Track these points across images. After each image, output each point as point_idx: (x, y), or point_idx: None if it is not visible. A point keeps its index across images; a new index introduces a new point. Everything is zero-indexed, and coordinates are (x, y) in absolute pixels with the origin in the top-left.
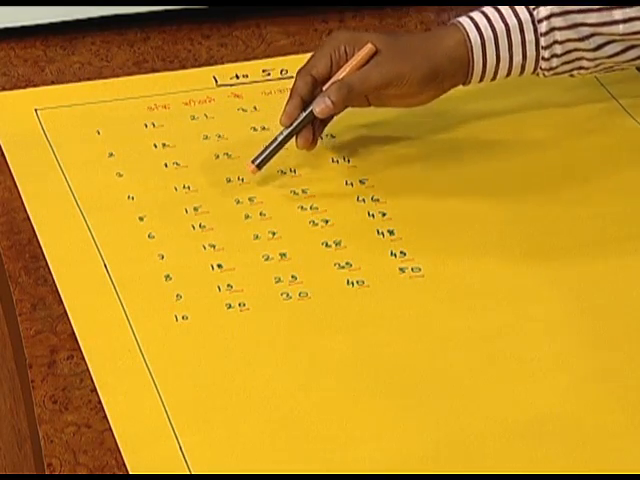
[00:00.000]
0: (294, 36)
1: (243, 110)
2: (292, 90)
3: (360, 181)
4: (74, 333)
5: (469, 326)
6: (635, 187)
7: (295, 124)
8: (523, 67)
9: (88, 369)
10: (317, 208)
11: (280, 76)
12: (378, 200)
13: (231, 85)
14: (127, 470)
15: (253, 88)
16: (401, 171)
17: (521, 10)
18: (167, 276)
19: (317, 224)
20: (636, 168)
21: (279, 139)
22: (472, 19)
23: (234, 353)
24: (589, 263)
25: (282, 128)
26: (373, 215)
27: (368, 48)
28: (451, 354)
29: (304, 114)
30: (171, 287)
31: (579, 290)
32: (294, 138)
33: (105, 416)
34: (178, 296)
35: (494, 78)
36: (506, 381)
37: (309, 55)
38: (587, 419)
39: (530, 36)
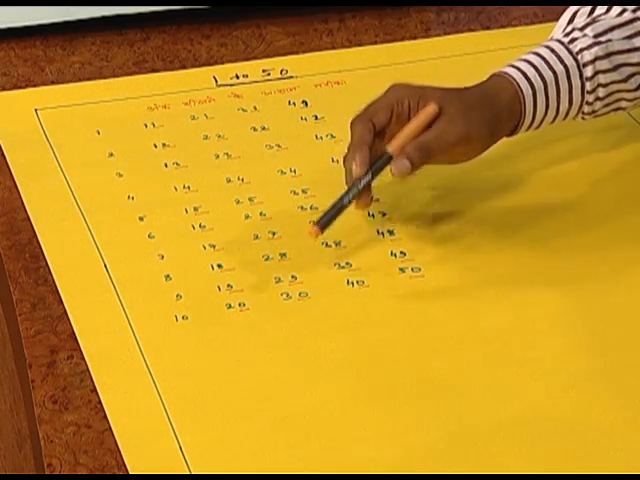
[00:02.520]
0: (294, 36)
1: (243, 110)
2: (357, 139)
3: None
4: (74, 333)
5: (469, 326)
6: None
7: (363, 183)
8: (567, 113)
9: (88, 369)
10: (317, 208)
11: (280, 76)
12: (378, 200)
13: (231, 85)
14: (127, 470)
15: (253, 88)
16: None
17: (565, 56)
18: (167, 276)
19: None
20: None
21: (344, 201)
22: (519, 69)
23: (234, 353)
24: (589, 263)
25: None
26: (373, 215)
27: (433, 108)
28: (451, 354)
29: (369, 175)
30: (171, 287)
31: (579, 290)
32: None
33: (105, 416)
34: (178, 296)
35: (538, 127)
36: (506, 381)
37: (309, 55)
38: (587, 419)
39: (576, 82)
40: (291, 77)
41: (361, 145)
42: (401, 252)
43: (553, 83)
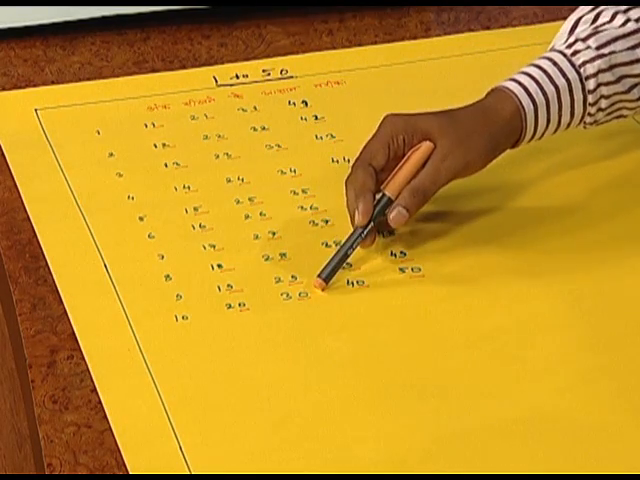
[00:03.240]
0: (294, 36)
1: (243, 110)
2: (359, 187)
3: None
4: (74, 333)
5: (469, 326)
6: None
7: (366, 231)
8: (569, 125)
9: (88, 369)
10: (317, 208)
11: (280, 76)
12: None
13: (231, 85)
14: (127, 470)
15: (253, 88)
16: None
17: (567, 69)
18: (167, 276)
19: (317, 224)
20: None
21: (348, 251)
22: (520, 83)
23: (234, 353)
24: (590, 263)
25: (345, 238)
26: None
27: (427, 147)
28: (451, 354)
29: (370, 225)
30: (171, 287)
31: (579, 290)
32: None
33: (105, 416)
34: (178, 296)
35: (540, 138)
36: (505, 381)
37: (309, 55)
38: (586, 419)
39: (578, 95)
40: (291, 77)
41: (364, 193)
42: (401, 252)
43: (555, 98)
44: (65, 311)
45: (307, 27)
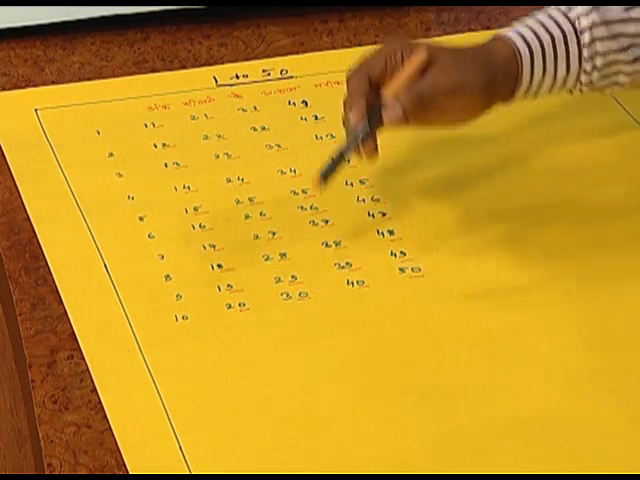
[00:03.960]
0: (294, 36)
1: (243, 110)
2: (353, 91)
3: (360, 181)
4: (74, 333)
5: (469, 326)
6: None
7: (362, 135)
8: (565, 81)
9: (88, 369)
10: (317, 208)
11: (280, 76)
12: (378, 200)
13: (231, 85)
14: (127, 470)
15: (253, 88)
16: (401, 171)
17: (563, 21)
18: (167, 276)
19: (317, 224)
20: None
21: (345, 152)
22: (517, 32)
23: (234, 353)
24: (588, 263)
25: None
26: (373, 215)
27: (423, 54)
28: (451, 354)
29: (366, 126)
30: (171, 287)
31: (578, 290)
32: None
33: (105, 416)
34: (178, 296)
35: (536, 94)
36: (505, 381)
37: (309, 55)
38: (586, 419)
39: (574, 48)
40: (291, 77)
41: (357, 96)
42: (401, 252)
43: (550, 46)
44: (65, 311)
45: (307, 27)
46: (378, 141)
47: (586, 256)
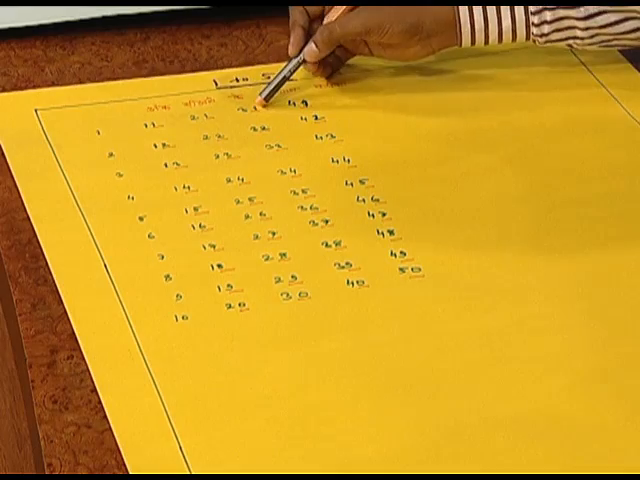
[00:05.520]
0: None
1: (243, 110)
2: (291, 23)
3: (360, 181)
4: (74, 333)
5: (469, 326)
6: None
7: (296, 64)
8: (514, 32)
9: (88, 369)
10: (317, 208)
11: None
12: (378, 200)
13: (231, 87)
14: (127, 470)
15: (253, 89)
16: (401, 171)
17: None
18: (167, 276)
19: (317, 224)
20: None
21: (285, 74)
22: None
23: (234, 353)
24: (589, 263)
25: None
26: (373, 215)
27: None
28: (451, 354)
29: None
30: (171, 287)
31: (579, 289)
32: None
33: (105, 416)
34: (178, 296)
35: (486, 42)
36: (506, 381)
37: None
38: (586, 419)
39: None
40: (291, 79)
41: (295, 28)
42: (401, 252)
43: None
44: (65, 311)
45: None
46: (377, 138)
47: (587, 255)
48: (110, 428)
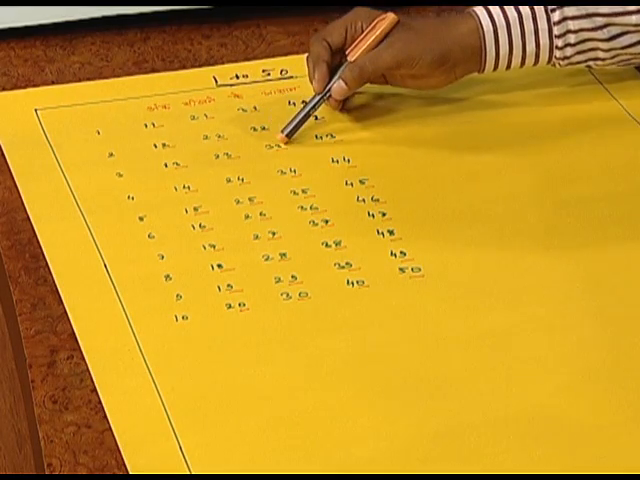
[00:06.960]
0: (294, 36)
1: (243, 110)
2: (314, 58)
3: (360, 181)
4: (74, 333)
5: (469, 326)
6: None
7: (326, 96)
8: (537, 56)
9: (88, 369)
10: (317, 208)
11: (280, 76)
12: (378, 200)
13: (231, 85)
14: (127, 470)
15: (253, 88)
16: (401, 171)
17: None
18: (167, 276)
19: (317, 224)
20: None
21: (310, 111)
22: (485, 8)
23: (234, 353)
24: (589, 262)
25: (309, 98)
26: (373, 215)
27: (391, 18)
28: (451, 354)
29: (325, 91)
30: (171, 287)
31: (579, 289)
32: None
33: (105, 416)
34: (178, 296)
35: (508, 67)
36: (506, 380)
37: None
38: (586, 418)
39: (543, 24)
40: (291, 77)
41: (319, 63)
42: (401, 252)
43: (517, 23)
44: (65, 311)
45: (307, 27)
46: (378, 138)
47: (587, 255)
48: (110, 428)
